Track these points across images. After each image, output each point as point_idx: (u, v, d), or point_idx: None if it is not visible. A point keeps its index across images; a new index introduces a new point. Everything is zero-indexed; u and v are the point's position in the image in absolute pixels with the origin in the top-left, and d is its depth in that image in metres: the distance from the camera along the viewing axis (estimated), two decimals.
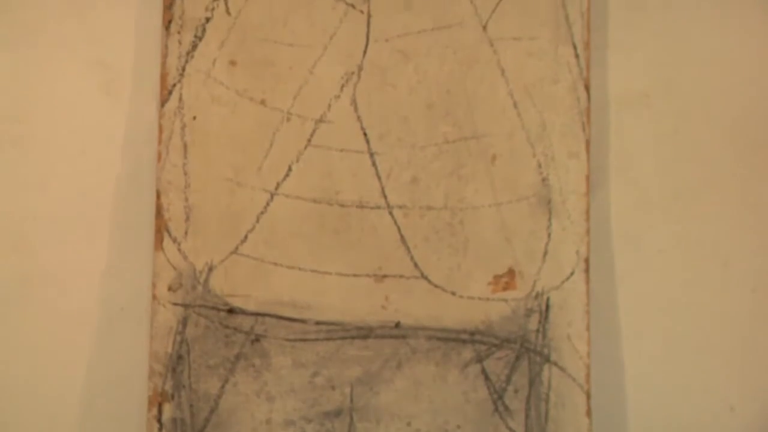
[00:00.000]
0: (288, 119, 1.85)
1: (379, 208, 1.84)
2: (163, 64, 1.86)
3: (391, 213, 1.84)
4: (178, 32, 1.86)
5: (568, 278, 1.83)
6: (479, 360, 1.81)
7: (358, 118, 1.85)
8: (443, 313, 1.83)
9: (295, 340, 1.82)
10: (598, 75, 1.87)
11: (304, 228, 1.84)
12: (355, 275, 1.83)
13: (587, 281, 1.82)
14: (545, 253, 1.83)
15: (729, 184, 1.87)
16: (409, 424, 1.81)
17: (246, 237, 1.84)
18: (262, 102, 1.85)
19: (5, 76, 1.90)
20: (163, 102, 1.86)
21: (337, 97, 1.85)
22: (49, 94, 1.90)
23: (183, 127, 1.85)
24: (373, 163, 1.84)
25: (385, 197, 1.84)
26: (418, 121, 1.85)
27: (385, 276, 1.83)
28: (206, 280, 1.84)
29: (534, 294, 1.83)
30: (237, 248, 1.84)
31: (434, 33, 1.86)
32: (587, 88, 1.84)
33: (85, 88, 1.90)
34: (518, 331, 1.82)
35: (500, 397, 1.81)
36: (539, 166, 1.84)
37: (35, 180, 1.89)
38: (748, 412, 1.86)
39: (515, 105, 1.85)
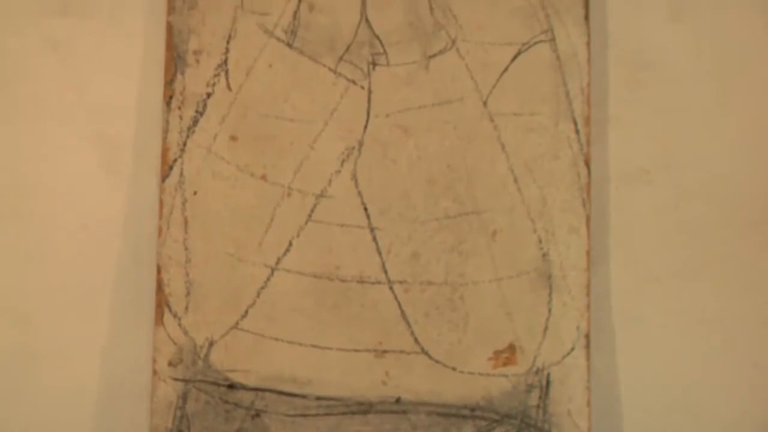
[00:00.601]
0: (289, 194, 1.92)
1: (379, 283, 1.90)
2: (164, 140, 1.93)
3: (391, 288, 1.90)
4: (179, 107, 1.93)
5: (568, 353, 1.89)
6: None
7: (359, 193, 1.91)
8: (444, 389, 1.89)
9: (295, 416, 1.88)
10: (598, 150, 1.94)
11: (304, 303, 1.90)
12: (355, 350, 1.89)
13: (588, 357, 1.88)
14: (546, 329, 1.90)
15: (729, 260, 1.93)
16: None
17: (246, 312, 1.90)
18: (263, 177, 1.92)
19: (6, 149, 1.97)
20: (164, 177, 1.93)
21: (338, 172, 1.92)
22: (50, 168, 1.97)
23: (184, 202, 1.92)
24: (374, 238, 1.91)
25: (386, 272, 1.90)
26: (418, 196, 1.92)
27: (385, 351, 1.89)
28: (207, 355, 1.90)
29: (534, 369, 1.89)
30: (237, 323, 1.90)
31: (435, 108, 1.93)
32: (588, 163, 1.91)
33: (86, 162, 1.97)
34: (519, 406, 1.88)
35: None
36: (540, 241, 1.90)
37: (36, 254, 1.96)
38: None
39: (516, 180, 1.91)
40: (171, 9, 1.93)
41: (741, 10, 1.96)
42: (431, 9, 1.91)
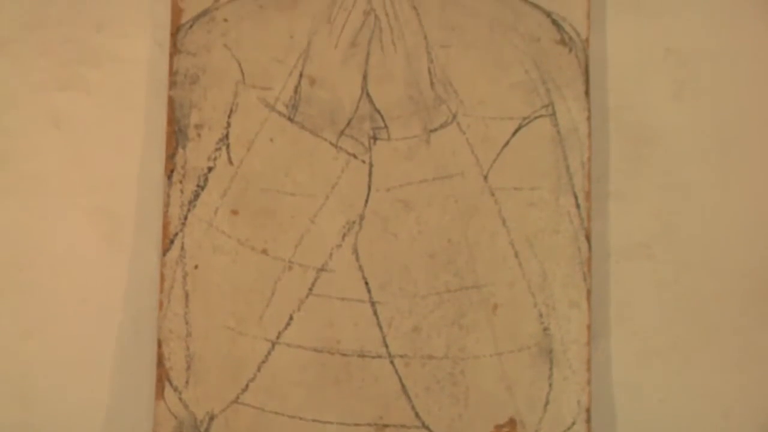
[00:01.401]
0: (289, 268, 2.01)
1: (380, 357, 1.99)
2: (165, 213, 2.02)
3: (392, 362, 1.99)
4: (181, 181, 2.02)
5: (569, 428, 1.98)
6: None
7: (360, 267, 2.00)
8: None
9: None
10: (599, 225, 2.03)
11: (305, 377, 1.99)
12: (356, 425, 1.98)
13: (589, 431, 1.96)
14: (546, 403, 1.98)
15: (730, 334, 2.02)
16: None
17: (247, 386, 1.99)
18: (264, 251, 2.01)
19: (8, 223, 2.05)
20: (165, 251, 2.02)
21: (339, 246, 2.01)
22: (51, 242, 2.05)
23: (185, 275, 2.01)
24: (375, 312, 2.00)
25: (387, 346, 1.99)
26: (419, 271, 2.01)
27: (386, 426, 1.98)
28: (207, 430, 1.98)
29: None
30: (238, 397, 1.99)
31: (435, 183, 2.02)
32: (588, 238, 2.00)
33: (87, 236, 2.06)
34: None
35: None
36: (540, 315, 1.99)
37: (36, 327, 2.04)
38: None
39: (516, 255, 2.01)
40: (172, 83, 2.01)
41: (741, 87, 2.04)
42: (432, 83, 2.01)
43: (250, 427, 1.94)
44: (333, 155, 1.99)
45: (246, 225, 1.97)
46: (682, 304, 2.00)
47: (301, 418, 1.95)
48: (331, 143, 1.99)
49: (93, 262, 2.02)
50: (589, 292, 1.95)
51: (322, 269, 1.96)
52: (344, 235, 1.97)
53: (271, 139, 1.99)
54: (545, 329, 1.95)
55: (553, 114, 1.98)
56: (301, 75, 2.00)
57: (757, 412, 1.98)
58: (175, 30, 2.03)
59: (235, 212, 1.98)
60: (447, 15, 2.03)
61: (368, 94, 1.99)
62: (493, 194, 1.98)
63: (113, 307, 2.01)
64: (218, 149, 1.99)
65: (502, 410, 1.95)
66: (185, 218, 1.98)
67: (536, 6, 2.02)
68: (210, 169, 1.99)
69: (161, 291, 1.96)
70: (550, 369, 1.94)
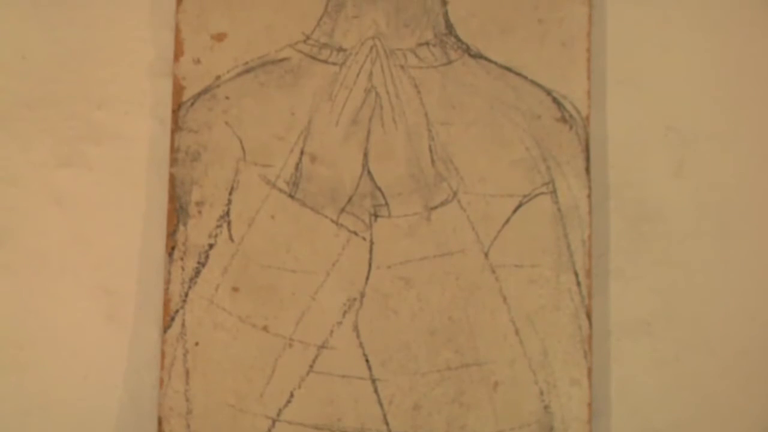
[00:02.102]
0: (290, 345, 2.09)
1: None
2: (166, 291, 2.11)
3: None
4: (182, 258, 2.11)
5: None
6: None
7: (360, 344, 2.09)
8: None
9: None
10: (599, 302, 2.11)
11: None
12: None
13: None
14: None
15: (730, 412, 2.10)
16: None
17: None
18: (265, 328, 2.10)
19: (9, 301, 2.14)
20: (166, 328, 2.10)
21: (340, 323, 2.09)
22: (52, 319, 2.13)
23: (185, 353, 2.09)
24: (375, 390, 2.08)
25: (387, 424, 2.07)
26: (420, 348, 2.09)
27: None
28: None
29: None
30: None
31: (436, 260, 2.11)
32: (589, 315, 2.09)
33: (88, 313, 2.14)
34: None
35: None
36: (541, 393, 2.08)
37: (37, 404, 2.12)
38: None
39: (517, 332, 2.09)
40: (173, 161, 2.10)
41: (741, 166, 2.13)
42: (433, 161, 2.09)
43: None
44: (334, 232, 2.07)
45: (247, 302, 2.05)
46: (683, 382, 2.08)
47: None
48: (332, 220, 2.07)
49: (94, 339, 2.09)
50: (590, 370, 2.03)
51: (322, 346, 2.04)
52: (345, 312, 2.05)
53: (272, 216, 2.07)
54: (546, 407, 2.03)
55: (554, 191, 2.06)
56: (302, 152, 2.08)
57: None
58: (177, 107, 2.11)
59: (236, 289, 2.06)
60: (448, 93, 2.10)
61: (369, 172, 2.07)
62: (493, 271, 2.06)
63: (114, 384, 2.08)
64: (219, 226, 2.08)
65: None
66: (186, 295, 2.05)
67: (537, 84, 2.09)
68: (211, 246, 2.07)
69: (162, 368, 2.04)
70: None
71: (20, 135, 2.17)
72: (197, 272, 2.05)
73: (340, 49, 2.13)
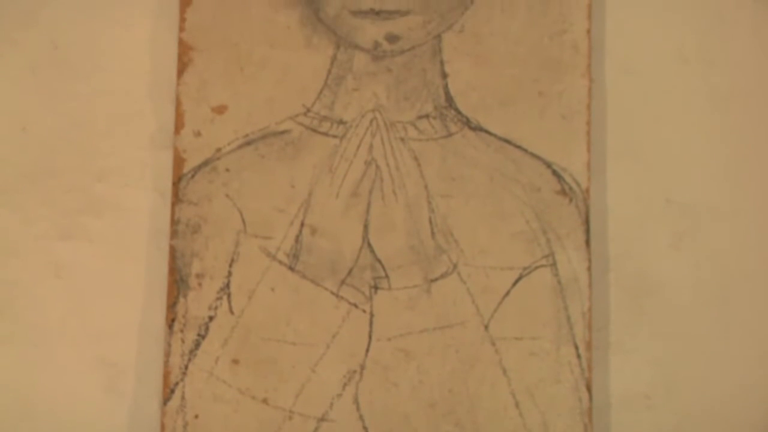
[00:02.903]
0: (290, 418, 2.19)
1: None
2: (166, 363, 2.20)
3: None
4: (182, 331, 2.21)
5: None
6: None
7: (360, 416, 2.18)
8: None
9: None
10: (599, 375, 2.20)
11: None
12: None
13: None
14: None
15: None
16: None
17: None
18: (265, 400, 2.19)
19: (8, 372, 2.22)
20: (166, 400, 2.19)
21: (340, 395, 2.19)
22: (52, 391, 2.21)
23: (185, 425, 2.19)
24: None
25: None
26: (420, 420, 2.18)
27: None
28: None
29: None
30: None
31: (436, 332, 2.21)
32: (589, 388, 2.18)
33: (88, 385, 2.22)
34: None
35: None
36: None
37: None
38: None
39: (517, 405, 2.18)
40: (174, 233, 2.20)
41: (740, 240, 2.23)
42: (433, 233, 2.20)
43: None
44: (334, 304, 2.17)
45: (247, 374, 2.15)
46: None
47: None
48: (332, 293, 2.17)
49: (93, 410, 2.18)
50: None
51: (322, 419, 2.14)
52: (345, 385, 2.14)
53: (273, 289, 2.17)
54: None
55: (554, 264, 2.16)
56: (302, 224, 2.18)
57: None
58: (177, 179, 2.20)
59: (236, 361, 2.16)
60: (448, 165, 2.20)
61: (369, 244, 2.17)
62: (494, 344, 2.16)
63: None
64: (219, 298, 2.17)
65: None
66: (186, 367, 2.15)
67: (537, 157, 2.19)
68: (211, 319, 2.17)
69: None
70: None
71: (21, 207, 2.26)
72: (197, 344, 2.15)
73: (341, 122, 2.21)
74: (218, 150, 2.25)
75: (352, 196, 2.19)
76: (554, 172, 2.21)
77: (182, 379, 2.12)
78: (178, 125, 2.25)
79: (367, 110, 2.25)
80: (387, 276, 2.14)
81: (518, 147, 2.24)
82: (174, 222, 2.20)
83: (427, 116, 2.24)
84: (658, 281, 2.19)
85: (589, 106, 2.24)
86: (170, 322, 2.14)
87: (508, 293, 2.15)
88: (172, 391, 2.12)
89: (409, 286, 2.17)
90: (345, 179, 2.20)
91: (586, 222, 2.20)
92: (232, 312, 2.15)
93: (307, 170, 2.22)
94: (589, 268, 2.18)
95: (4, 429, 2.17)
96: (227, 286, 2.17)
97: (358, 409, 2.11)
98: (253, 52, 2.28)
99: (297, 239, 2.17)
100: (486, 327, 2.13)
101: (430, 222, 2.20)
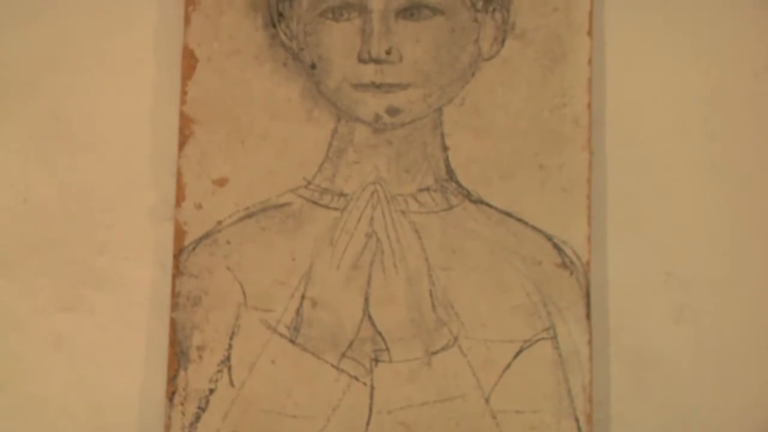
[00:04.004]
0: None
1: None
2: None
3: None
4: (182, 403, 2.34)
5: None
6: None
7: None
8: None
9: None
10: None
11: None
12: None
13: None
14: None
15: None
16: None
17: None
18: None
19: None
20: None
21: None
22: None
23: None
24: None
25: None
26: None
27: None
28: None
29: None
30: None
31: (437, 405, 2.34)
32: None
33: None
34: None
35: None
36: None
37: None
38: None
39: None
40: (174, 305, 2.34)
41: (741, 313, 2.36)
42: (433, 306, 2.34)
43: None
44: (334, 377, 2.30)
45: None
46: None
47: None
48: (332, 365, 2.30)
49: None
50: None
51: None
52: None
53: (273, 361, 2.31)
54: None
55: (555, 337, 2.30)
56: (303, 297, 2.31)
57: None
58: (178, 252, 2.34)
59: None
60: (448, 238, 2.33)
61: (370, 317, 2.31)
62: (494, 417, 2.29)
63: None
64: (220, 371, 2.31)
65: None
66: None
67: (537, 230, 2.33)
68: (211, 391, 2.30)
69: None
70: None
71: (21, 279, 2.38)
72: (197, 417, 2.28)
73: (342, 194, 2.35)
74: (219, 222, 2.37)
75: (352, 269, 2.32)
76: (555, 245, 2.33)
77: None
78: (179, 198, 2.37)
79: (368, 183, 2.36)
80: (387, 348, 2.28)
81: (519, 220, 2.35)
82: (175, 294, 2.33)
83: (427, 189, 2.36)
84: (659, 354, 2.32)
85: (590, 179, 2.35)
86: (171, 395, 2.27)
87: (508, 366, 2.28)
88: None
89: (409, 359, 2.29)
90: (346, 252, 2.32)
91: (587, 295, 2.32)
92: (232, 384, 2.28)
93: (308, 243, 2.34)
94: (589, 341, 2.30)
95: None
96: (228, 358, 2.30)
97: None
98: (254, 124, 2.39)
99: (298, 312, 2.31)
100: (487, 400, 2.26)
101: (431, 294, 2.31)
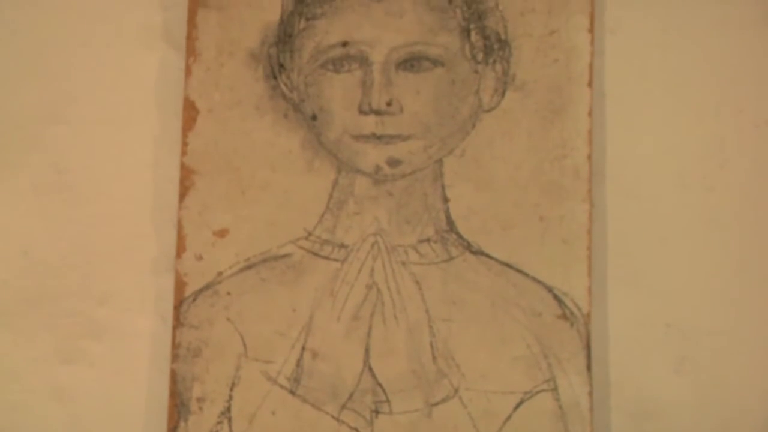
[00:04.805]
0: None
1: None
2: None
3: None
4: None
5: None
6: None
7: None
8: None
9: None
10: None
11: None
12: None
13: None
14: None
15: None
16: None
17: None
18: None
19: None
20: None
21: None
22: None
23: None
24: None
25: None
26: None
27: None
28: None
29: None
30: None
31: None
32: None
33: None
34: None
35: None
36: None
37: None
38: None
39: None
40: (175, 357, 2.43)
41: (742, 365, 2.45)
42: (434, 357, 2.43)
43: None
44: (335, 429, 2.38)
45: None
46: None
47: None
48: (333, 417, 2.38)
49: None
50: None
51: None
52: None
53: (273, 413, 2.39)
54: None
55: (555, 389, 2.38)
56: (303, 348, 2.40)
57: None
58: (179, 303, 2.42)
59: None
60: (449, 290, 2.42)
61: (370, 368, 2.39)
62: None
63: None
64: (220, 422, 2.40)
65: None
66: None
67: (538, 281, 2.41)
68: None
69: None
70: None
71: (21, 331, 2.46)
72: None
73: (342, 246, 2.43)
74: (219, 273, 2.45)
75: (353, 320, 2.41)
76: (555, 297, 2.41)
77: None
78: (180, 249, 2.46)
79: (369, 234, 2.44)
80: (388, 400, 2.37)
81: (519, 271, 2.43)
82: (175, 345, 2.41)
83: (428, 240, 2.44)
84: (660, 406, 2.40)
85: (590, 230, 2.43)
86: None
87: (509, 418, 2.36)
88: None
89: (410, 411, 2.38)
90: (346, 303, 2.41)
91: (587, 346, 2.40)
92: None
93: (309, 294, 2.43)
94: (590, 393, 2.38)
95: None
96: (228, 410, 2.39)
97: None
98: (255, 175, 2.48)
99: (298, 363, 2.39)
100: None
101: (431, 346, 2.40)
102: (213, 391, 2.37)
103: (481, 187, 2.47)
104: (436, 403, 2.38)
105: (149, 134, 2.54)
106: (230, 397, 2.37)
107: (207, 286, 2.45)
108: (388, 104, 2.45)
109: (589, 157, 2.47)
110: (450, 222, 2.47)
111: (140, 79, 2.55)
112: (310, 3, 2.50)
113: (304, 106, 2.50)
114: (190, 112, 2.51)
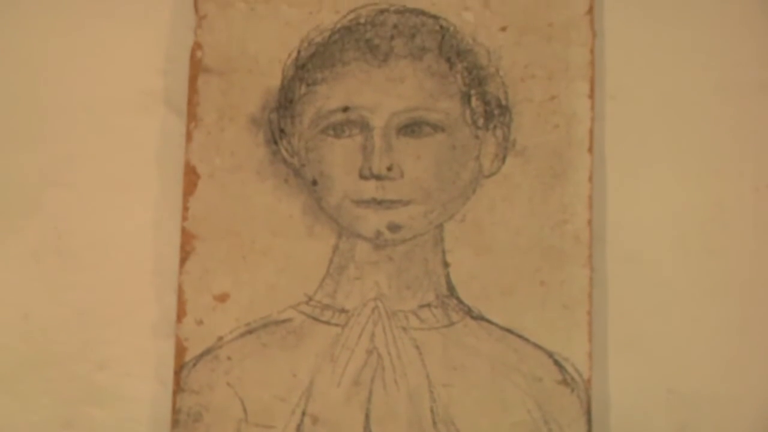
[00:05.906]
0: None
1: None
2: None
3: None
4: None
5: None
6: None
7: None
8: None
9: None
10: None
11: None
12: None
13: None
14: None
15: None
16: None
17: None
18: None
19: None
20: None
21: None
22: None
23: None
24: None
25: None
26: None
27: None
28: None
29: None
30: None
31: None
32: None
33: None
34: None
35: None
36: None
37: None
38: None
39: None
40: (175, 422, 2.46)
41: (744, 429, 2.54)
42: (434, 423, 2.51)
43: None
44: None
45: None
46: None
47: None
48: None
49: None
50: None
51: None
52: None
53: None
54: None
55: None
56: (303, 413, 2.49)
57: None
58: (179, 368, 2.51)
59: None
60: (449, 355, 2.51)
61: None
62: None
63: None
64: None
65: None
66: None
67: (538, 346, 2.51)
68: None
69: None
70: None
71: (21, 395, 2.54)
72: None
73: (342, 311, 2.54)
74: (220, 338, 2.55)
75: (353, 385, 2.50)
76: (556, 362, 2.51)
77: None
78: (180, 313, 2.55)
79: (369, 299, 2.54)
80: None
81: (520, 336, 2.52)
82: (175, 411, 2.50)
83: (428, 305, 2.54)
84: None
85: (591, 295, 2.53)
86: None
87: None
88: None
89: None
90: (346, 368, 2.50)
91: (588, 412, 2.49)
92: None
93: (309, 359, 2.52)
94: None
95: None
96: None
97: None
98: (256, 240, 2.58)
99: (298, 428, 2.49)
100: None
101: (432, 411, 2.49)
102: None
103: (481, 252, 2.56)
104: None
105: (150, 198, 2.63)
106: None
107: (207, 351, 2.54)
108: (389, 169, 2.54)
109: (590, 222, 2.55)
110: (450, 287, 2.56)
111: (141, 143, 2.64)
112: (311, 68, 2.58)
113: (304, 171, 2.59)
114: (191, 177, 2.60)
